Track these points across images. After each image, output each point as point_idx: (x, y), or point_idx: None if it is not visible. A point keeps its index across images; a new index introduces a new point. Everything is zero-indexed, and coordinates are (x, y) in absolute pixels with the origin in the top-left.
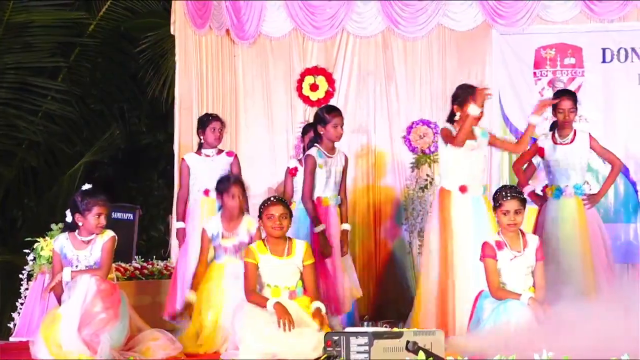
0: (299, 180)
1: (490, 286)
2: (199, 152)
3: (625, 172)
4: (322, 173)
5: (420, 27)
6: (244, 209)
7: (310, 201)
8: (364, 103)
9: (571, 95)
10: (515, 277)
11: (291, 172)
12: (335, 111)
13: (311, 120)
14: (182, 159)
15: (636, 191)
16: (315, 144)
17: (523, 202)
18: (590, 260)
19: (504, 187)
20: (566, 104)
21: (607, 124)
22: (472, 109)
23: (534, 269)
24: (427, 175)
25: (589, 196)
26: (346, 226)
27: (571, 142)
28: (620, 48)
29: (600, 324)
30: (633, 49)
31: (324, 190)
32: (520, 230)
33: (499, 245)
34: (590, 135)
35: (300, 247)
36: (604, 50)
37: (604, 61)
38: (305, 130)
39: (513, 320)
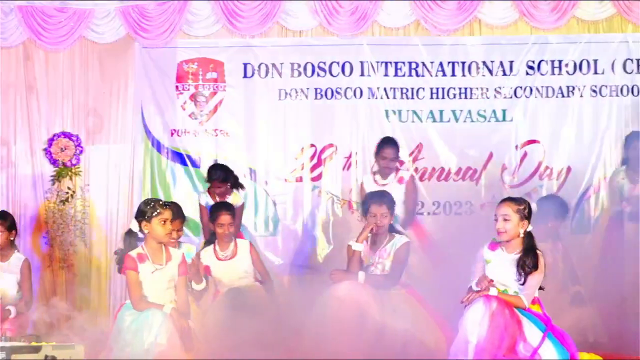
0: None
1: (132, 298)
2: None
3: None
4: None
5: (62, 38)
6: None
7: None
8: (4, 115)
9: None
10: (156, 290)
11: None
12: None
13: None
14: None
15: (274, 204)
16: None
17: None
18: None
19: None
20: (225, 218)
21: (248, 138)
22: None
23: (176, 283)
24: (69, 188)
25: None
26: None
27: (232, 256)
28: (261, 64)
29: None
30: (274, 65)
31: None
32: (164, 245)
33: (141, 257)
34: (250, 245)
35: None
36: (245, 65)
37: (245, 76)
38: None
39: (154, 330)
